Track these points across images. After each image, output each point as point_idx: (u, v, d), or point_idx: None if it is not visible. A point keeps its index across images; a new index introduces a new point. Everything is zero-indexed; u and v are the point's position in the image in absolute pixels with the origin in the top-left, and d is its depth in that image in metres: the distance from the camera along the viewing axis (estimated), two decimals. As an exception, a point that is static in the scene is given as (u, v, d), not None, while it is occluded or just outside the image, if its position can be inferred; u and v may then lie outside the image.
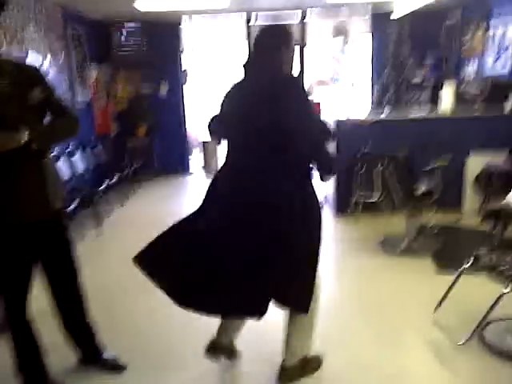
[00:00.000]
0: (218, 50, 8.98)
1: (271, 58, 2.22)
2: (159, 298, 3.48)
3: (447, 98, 5.40)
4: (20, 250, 2.21)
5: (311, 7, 7.67)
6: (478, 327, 2.54)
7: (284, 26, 2.41)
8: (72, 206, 4.71)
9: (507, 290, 2.39)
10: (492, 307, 2.44)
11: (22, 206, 2.15)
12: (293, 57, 2.29)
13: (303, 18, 7.88)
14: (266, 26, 2.35)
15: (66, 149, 5.78)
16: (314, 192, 2.21)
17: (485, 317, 2.46)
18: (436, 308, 2.89)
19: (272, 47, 2.23)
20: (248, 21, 7.90)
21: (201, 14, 7.65)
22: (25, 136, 2.00)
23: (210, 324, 3.04)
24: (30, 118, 2.14)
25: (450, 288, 2.82)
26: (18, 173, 2.10)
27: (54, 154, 5.33)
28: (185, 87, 8.35)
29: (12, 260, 2.19)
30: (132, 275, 3.97)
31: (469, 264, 2.74)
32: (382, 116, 5.57)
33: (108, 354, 2.63)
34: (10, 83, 2.05)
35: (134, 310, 3.36)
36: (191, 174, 8.46)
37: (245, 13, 7.80)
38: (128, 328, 3.10)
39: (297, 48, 7.98)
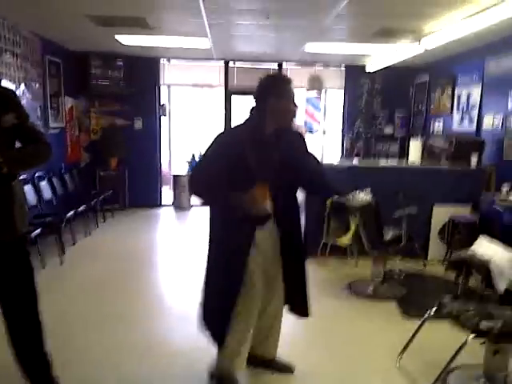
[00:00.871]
0: (196, 89, 9.12)
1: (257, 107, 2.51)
2: (120, 330, 3.42)
3: (415, 150, 5.62)
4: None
5: (288, 61, 7.95)
6: (441, 374, 2.54)
7: (276, 75, 2.67)
8: (36, 232, 4.59)
9: (470, 337, 2.42)
10: (455, 354, 2.46)
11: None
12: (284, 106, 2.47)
13: (280, 66, 8.14)
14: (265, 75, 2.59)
15: (35, 174, 5.68)
16: None
17: (448, 364, 2.48)
18: (400, 354, 2.90)
19: (257, 97, 2.51)
20: (226, 63, 8.11)
21: (180, 59, 7.85)
22: None
23: (175, 359, 2.99)
24: (1, 141, 2.11)
25: (414, 334, 2.84)
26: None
27: (22, 177, 5.23)
28: (162, 121, 8.40)
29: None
30: (92, 306, 3.91)
31: (433, 311, 2.77)
32: (354, 162, 5.72)
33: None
34: None
35: (91, 340, 3.24)
36: (161, 207, 8.39)
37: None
38: (85, 358, 2.98)
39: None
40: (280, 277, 2.65)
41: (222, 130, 2.76)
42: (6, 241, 2.19)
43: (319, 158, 2.69)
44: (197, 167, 2.62)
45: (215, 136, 2.50)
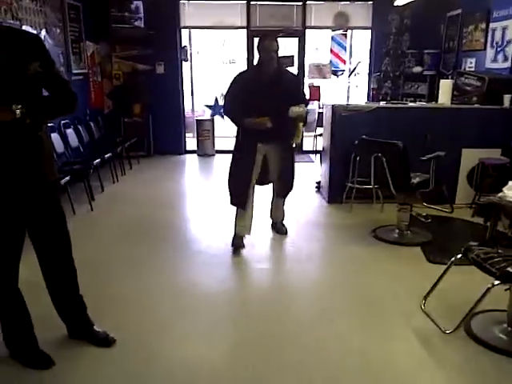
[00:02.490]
0: (217, 31, 8.86)
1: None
2: (149, 274, 3.53)
3: (445, 90, 5.40)
4: (13, 218, 2.20)
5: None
6: (465, 318, 2.57)
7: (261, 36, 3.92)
8: (65, 179, 4.68)
9: (496, 283, 2.41)
10: (480, 299, 2.46)
11: (17, 176, 2.14)
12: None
13: (304, 2, 7.81)
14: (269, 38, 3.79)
15: (61, 122, 5.73)
16: None
17: (472, 308, 2.49)
18: (425, 297, 2.92)
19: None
20: (248, 1, 7.82)
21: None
22: (17, 111, 1.98)
23: (201, 302, 3.09)
24: (26, 90, 2.10)
25: (440, 278, 2.85)
26: (13, 144, 2.08)
27: (50, 125, 5.29)
28: (184, 65, 8.27)
29: (4, 227, 2.18)
30: (122, 251, 4.03)
31: (459, 256, 2.76)
32: (382, 104, 5.56)
33: (97, 329, 2.63)
34: (7, 53, 2.01)
35: (122, 286, 3.36)
36: (186, 154, 8.42)
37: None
38: (117, 303, 3.10)
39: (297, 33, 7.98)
40: (279, 171, 4.09)
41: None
42: (36, 189, 2.24)
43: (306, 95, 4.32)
44: (224, 98, 3.95)
45: (234, 76, 3.90)
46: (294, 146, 4.15)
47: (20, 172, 2.14)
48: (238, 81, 3.82)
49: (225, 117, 3.95)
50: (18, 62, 2.05)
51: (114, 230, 4.55)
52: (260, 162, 3.94)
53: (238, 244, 4.05)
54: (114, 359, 2.50)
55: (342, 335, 2.76)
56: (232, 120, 3.87)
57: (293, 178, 4.19)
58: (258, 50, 3.75)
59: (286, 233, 4.38)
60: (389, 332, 2.79)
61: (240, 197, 3.94)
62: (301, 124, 3.87)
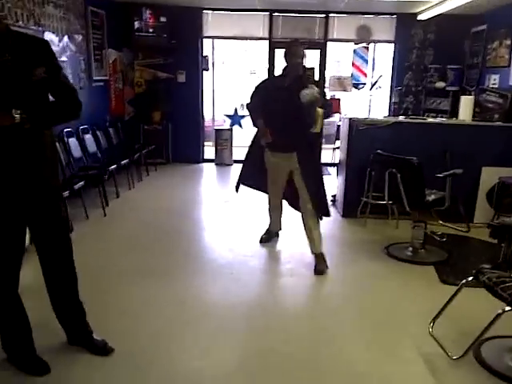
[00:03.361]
0: (240, 42, 8.88)
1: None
2: (155, 284, 3.50)
3: (466, 106, 5.29)
4: (13, 222, 2.19)
5: (334, 11, 7.58)
6: (474, 343, 2.46)
7: (288, 42, 4.13)
8: (79, 184, 4.72)
9: (508, 308, 2.31)
10: (491, 324, 2.36)
11: (17, 180, 2.14)
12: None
13: (326, 17, 7.78)
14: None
15: (79, 127, 5.79)
16: None
17: (482, 333, 2.39)
18: (433, 321, 2.81)
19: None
20: (271, 13, 7.83)
21: (222, 10, 7.66)
22: (17, 116, 1.97)
23: (204, 314, 3.03)
24: (30, 95, 2.10)
25: (449, 301, 2.74)
26: (13, 148, 2.08)
27: (68, 130, 5.35)
28: (205, 74, 8.30)
29: (4, 230, 2.18)
30: (130, 258, 4.01)
31: (470, 278, 2.66)
32: (400, 118, 5.47)
33: (96, 337, 2.61)
34: (13, 58, 2.02)
35: (126, 294, 3.33)
36: (204, 162, 8.42)
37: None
38: (118, 312, 3.08)
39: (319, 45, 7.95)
40: (303, 188, 3.82)
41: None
42: (38, 194, 2.23)
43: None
44: (250, 97, 4.04)
45: (258, 82, 4.14)
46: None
47: (20, 176, 2.14)
48: (264, 81, 4.21)
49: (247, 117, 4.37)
50: (24, 67, 2.05)
51: (125, 237, 4.55)
52: (283, 177, 3.99)
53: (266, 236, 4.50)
54: (111, 369, 2.46)
55: (346, 355, 2.68)
56: (250, 112, 4.02)
57: (321, 193, 3.88)
58: (285, 55, 3.77)
59: (326, 269, 3.85)
60: (395, 355, 2.70)
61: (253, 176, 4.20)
62: (318, 110, 3.68)
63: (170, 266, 3.88)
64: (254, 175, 4.16)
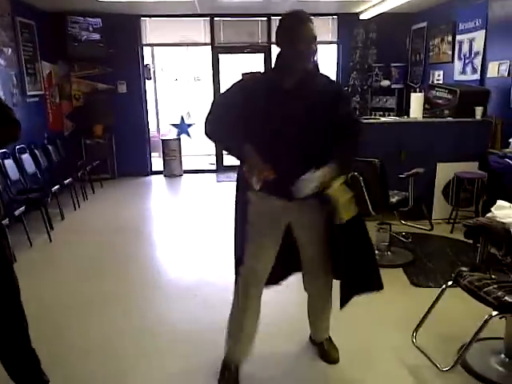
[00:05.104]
0: (181, 49, 8.61)
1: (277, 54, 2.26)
2: (112, 315, 3.20)
3: (416, 104, 5.29)
4: None
5: (277, 14, 7.45)
6: (462, 353, 2.35)
7: (287, 14, 2.17)
8: (20, 210, 4.32)
9: (495, 313, 2.22)
10: (479, 331, 2.25)
11: None
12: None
13: (269, 17, 7.67)
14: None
15: (15, 147, 5.36)
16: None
17: (470, 342, 2.28)
18: (415, 330, 2.69)
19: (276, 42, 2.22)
20: (212, 18, 7.63)
21: (161, 16, 7.40)
22: None
23: (169, 345, 2.77)
24: None
25: (430, 309, 2.63)
26: None
27: (2, 151, 4.93)
28: (147, 83, 7.99)
29: None
30: (82, 289, 3.67)
31: (450, 282, 2.56)
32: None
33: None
34: None
35: (82, 331, 3.01)
36: (152, 175, 8.08)
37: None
38: (76, 351, 2.76)
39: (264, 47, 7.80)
40: (321, 255, 2.37)
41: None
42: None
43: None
44: (210, 107, 2.27)
45: (235, 81, 2.27)
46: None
47: None
48: (243, 85, 2.25)
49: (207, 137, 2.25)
50: None
51: (75, 263, 4.19)
52: (279, 237, 2.31)
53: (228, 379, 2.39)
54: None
55: (324, 374, 2.51)
56: (218, 142, 2.39)
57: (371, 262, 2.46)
58: (282, 37, 2.13)
59: (337, 359, 2.63)
60: (379, 371, 2.55)
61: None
62: (335, 189, 2.07)
63: (128, 292, 3.59)
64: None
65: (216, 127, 2.19)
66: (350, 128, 2.20)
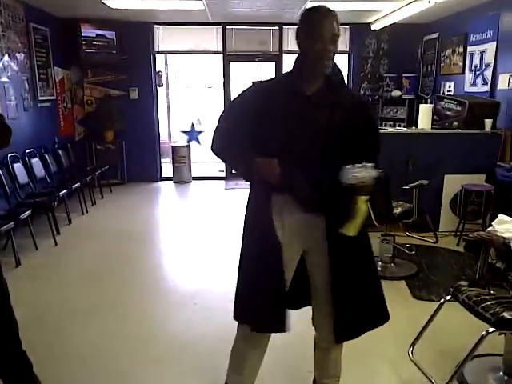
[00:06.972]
0: (194, 56, 8.67)
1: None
2: (112, 321, 3.21)
3: (425, 115, 5.26)
4: None
5: (289, 23, 7.48)
6: (458, 369, 2.31)
7: (308, 9, 1.90)
8: (26, 213, 4.37)
9: (491, 330, 2.17)
10: (475, 347, 2.21)
11: None
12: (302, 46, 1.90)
13: (281, 26, 7.70)
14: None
15: (25, 151, 5.43)
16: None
17: (466, 358, 2.23)
18: (412, 344, 2.66)
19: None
20: (224, 27, 7.68)
21: (174, 24, 7.47)
22: None
23: (167, 352, 2.76)
24: None
25: (428, 322, 2.60)
26: None
27: (13, 154, 4.99)
28: (159, 90, 8.05)
29: None
30: (84, 294, 3.69)
31: (448, 297, 2.52)
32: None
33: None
34: None
35: (81, 336, 3.02)
36: (161, 181, 8.12)
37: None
38: (73, 357, 2.77)
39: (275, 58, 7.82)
40: (325, 287, 2.00)
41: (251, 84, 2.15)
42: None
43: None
44: (217, 123, 2.02)
45: (242, 89, 2.01)
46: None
47: None
48: (254, 93, 1.98)
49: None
50: None
51: (78, 269, 4.22)
52: (295, 263, 2.02)
53: None
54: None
55: None
56: (226, 158, 2.14)
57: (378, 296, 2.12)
58: (304, 34, 1.86)
59: None
60: (373, 382, 2.52)
61: (251, 309, 2.02)
62: (363, 198, 1.86)
63: (129, 298, 3.60)
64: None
65: (224, 143, 1.98)
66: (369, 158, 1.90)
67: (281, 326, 1.98)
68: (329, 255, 1.93)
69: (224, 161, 2.24)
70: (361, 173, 1.79)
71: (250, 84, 2.10)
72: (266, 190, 1.91)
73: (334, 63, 1.92)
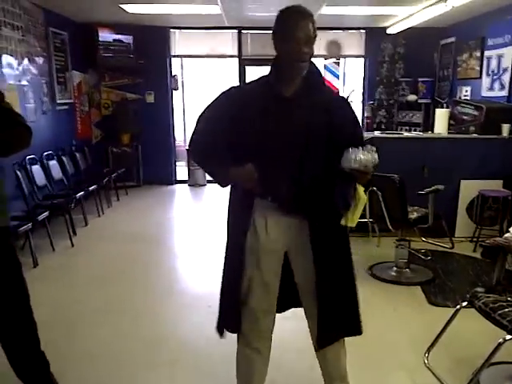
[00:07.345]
0: (209, 60, 8.73)
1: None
2: (125, 323, 3.23)
3: (441, 120, 5.23)
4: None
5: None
6: (474, 377, 2.29)
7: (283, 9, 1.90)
8: (44, 215, 4.43)
9: (508, 337, 2.15)
10: (491, 355, 2.19)
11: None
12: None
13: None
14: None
15: (43, 153, 5.51)
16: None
17: (483, 365, 2.22)
18: (428, 350, 2.64)
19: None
20: (239, 31, 7.72)
21: (190, 29, 7.53)
22: None
23: (179, 355, 2.78)
24: None
25: (444, 329, 2.58)
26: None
27: (31, 157, 5.06)
28: (175, 94, 8.11)
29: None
30: (100, 294, 3.73)
31: (464, 303, 2.50)
32: (376, 134, 5.37)
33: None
34: None
35: (94, 337, 3.05)
36: (176, 184, 8.18)
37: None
38: (86, 358, 2.80)
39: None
40: (312, 293, 2.00)
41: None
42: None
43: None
44: (195, 124, 2.01)
45: (220, 92, 1.98)
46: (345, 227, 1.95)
47: None
48: (229, 98, 1.96)
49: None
50: None
51: (94, 269, 4.27)
52: (279, 266, 2.06)
53: None
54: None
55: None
56: (201, 164, 2.07)
57: (351, 301, 2.14)
58: (279, 34, 1.86)
59: None
60: (389, 389, 2.51)
61: (230, 316, 2.12)
62: (359, 191, 1.85)
63: (143, 300, 3.63)
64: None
65: (198, 146, 1.99)
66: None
67: (236, 326, 2.09)
68: (313, 259, 1.94)
69: (200, 165, 2.14)
70: (365, 155, 1.76)
71: (228, 88, 2.02)
72: (248, 194, 1.93)
73: (313, 64, 1.93)
